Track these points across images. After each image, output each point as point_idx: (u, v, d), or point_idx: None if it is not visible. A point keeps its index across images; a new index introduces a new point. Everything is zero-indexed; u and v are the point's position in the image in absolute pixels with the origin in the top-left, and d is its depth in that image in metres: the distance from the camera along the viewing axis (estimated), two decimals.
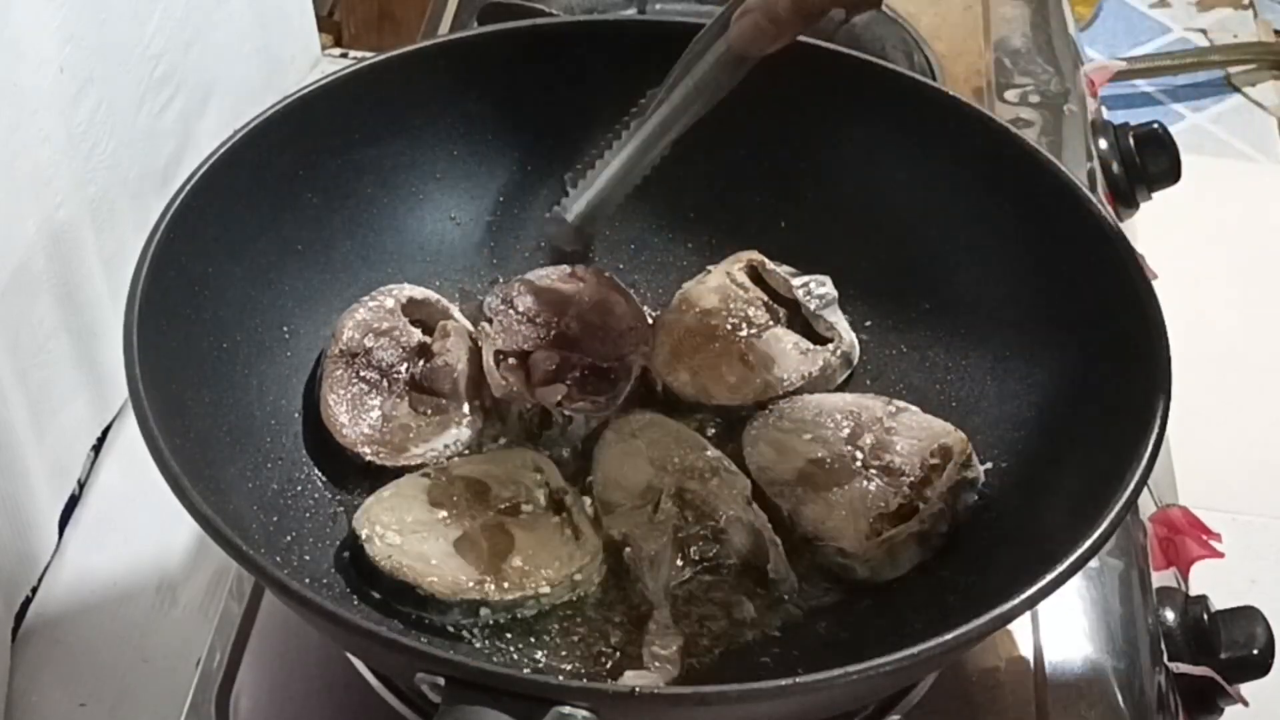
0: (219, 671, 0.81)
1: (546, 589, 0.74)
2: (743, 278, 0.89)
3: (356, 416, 0.82)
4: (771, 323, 0.88)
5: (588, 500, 0.79)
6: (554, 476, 0.80)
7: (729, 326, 0.88)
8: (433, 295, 0.87)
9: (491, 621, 0.74)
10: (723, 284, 0.89)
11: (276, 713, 0.81)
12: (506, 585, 0.74)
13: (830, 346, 0.87)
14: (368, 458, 0.80)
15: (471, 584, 0.74)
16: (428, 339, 0.85)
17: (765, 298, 0.89)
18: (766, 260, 0.90)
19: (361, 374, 0.83)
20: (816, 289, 0.88)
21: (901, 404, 0.83)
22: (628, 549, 0.76)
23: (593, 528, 0.78)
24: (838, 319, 0.87)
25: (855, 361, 0.87)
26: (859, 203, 0.89)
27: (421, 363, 0.84)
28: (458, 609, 0.73)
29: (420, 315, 0.87)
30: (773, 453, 0.81)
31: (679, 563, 0.77)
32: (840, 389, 0.87)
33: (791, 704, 0.65)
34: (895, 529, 0.77)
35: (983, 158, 0.85)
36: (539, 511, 0.78)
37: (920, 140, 0.87)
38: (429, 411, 0.83)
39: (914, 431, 0.81)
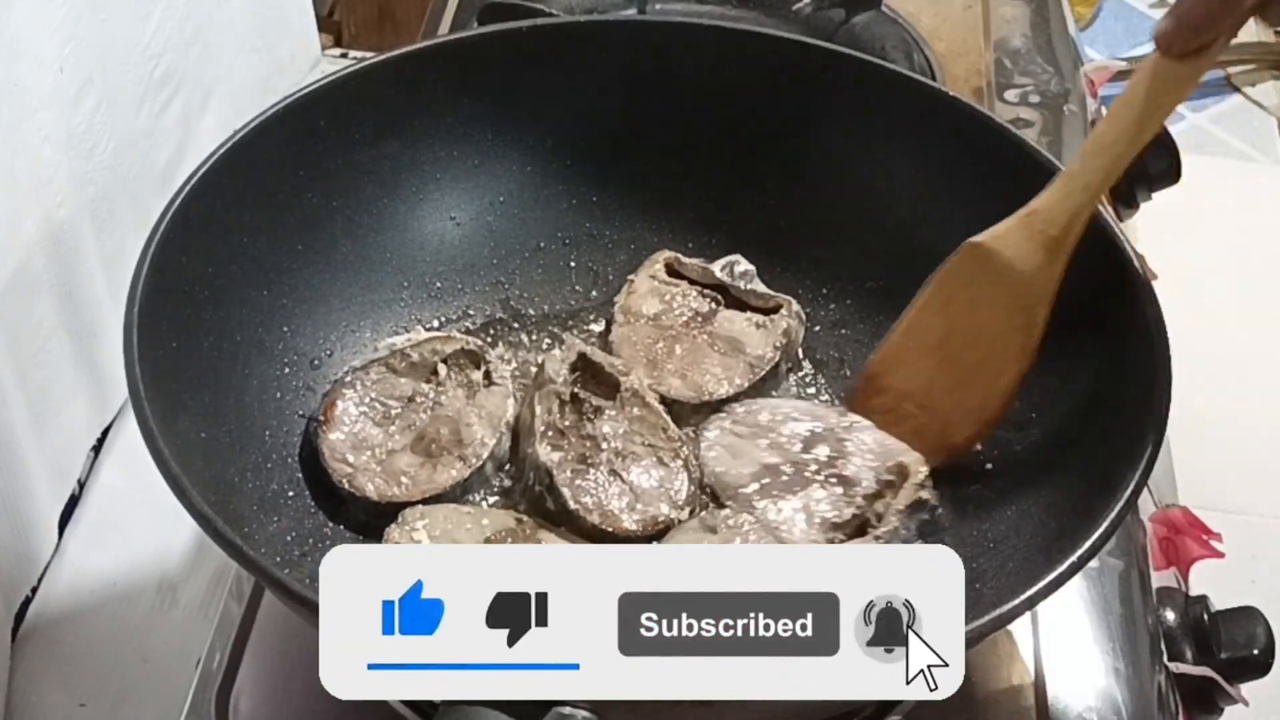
0: (219, 671, 0.81)
1: None
2: (665, 275, 0.90)
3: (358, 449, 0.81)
4: (717, 307, 0.89)
5: None
6: None
7: (682, 322, 0.88)
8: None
9: None
10: (654, 286, 0.89)
11: (276, 713, 0.81)
12: None
13: (782, 311, 0.87)
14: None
15: None
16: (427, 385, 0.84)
17: (697, 287, 0.89)
18: (680, 256, 0.90)
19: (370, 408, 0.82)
20: (737, 268, 0.88)
21: (856, 417, 0.83)
22: None
23: None
24: (762, 287, 0.88)
25: (804, 319, 0.88)
26: (858, 203, 0.89)
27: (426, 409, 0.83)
28: None
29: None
30: (729, 457, 0.81)
31: None
32: (838, 390, 0.87)
33: (792, 704, 0.65)
34: (848, 540, 0.77)
35: (982, 158, 0.85)
36: None
37: (920, 140, 0.87)
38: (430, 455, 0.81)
39: (868, 446, 0.81)
